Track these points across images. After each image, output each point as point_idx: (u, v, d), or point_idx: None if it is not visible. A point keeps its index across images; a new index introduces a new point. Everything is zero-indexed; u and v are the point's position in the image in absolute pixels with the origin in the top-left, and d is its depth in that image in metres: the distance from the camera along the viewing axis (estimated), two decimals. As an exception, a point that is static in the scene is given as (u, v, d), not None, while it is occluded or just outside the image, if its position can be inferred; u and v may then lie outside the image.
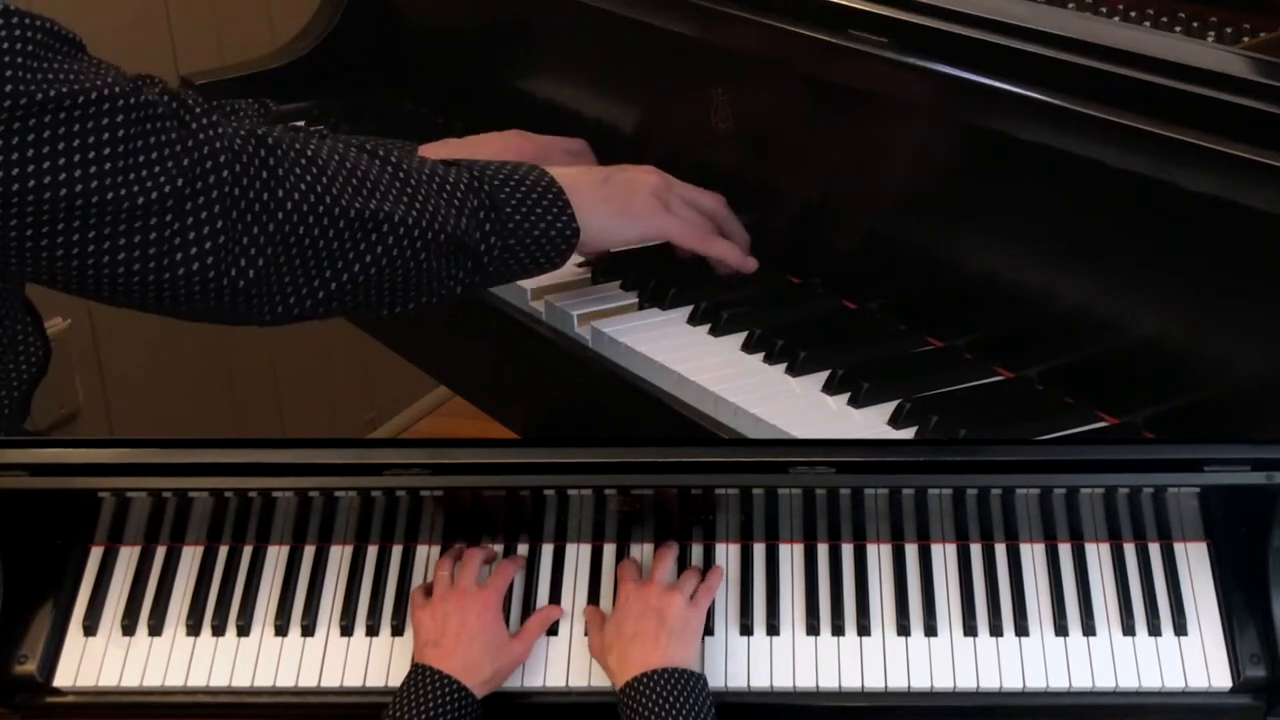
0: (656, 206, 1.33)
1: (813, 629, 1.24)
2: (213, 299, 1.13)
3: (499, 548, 1.31)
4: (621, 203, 1.31)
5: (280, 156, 1.14)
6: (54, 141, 1.04)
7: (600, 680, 1.22)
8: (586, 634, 1.25)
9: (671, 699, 1.14)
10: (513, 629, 1.26)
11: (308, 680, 1.25)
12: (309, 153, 1.16)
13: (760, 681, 1.22)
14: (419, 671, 1.20)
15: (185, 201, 1.09)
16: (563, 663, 1.25)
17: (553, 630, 1.26)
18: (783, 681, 1.22)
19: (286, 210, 1.13)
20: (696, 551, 1.29)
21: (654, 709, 1.13)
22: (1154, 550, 1.26)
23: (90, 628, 1.28)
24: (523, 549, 1.31)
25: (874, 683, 1.21)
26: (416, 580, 1.30)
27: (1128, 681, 1.20)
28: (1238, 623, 1.21)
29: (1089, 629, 1.22)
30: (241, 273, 1.12)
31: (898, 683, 1.21)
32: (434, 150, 1.43)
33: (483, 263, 1.23)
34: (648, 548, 1.30)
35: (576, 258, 1.35)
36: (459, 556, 1.28)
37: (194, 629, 1.28)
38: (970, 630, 1.23)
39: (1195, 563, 1.25)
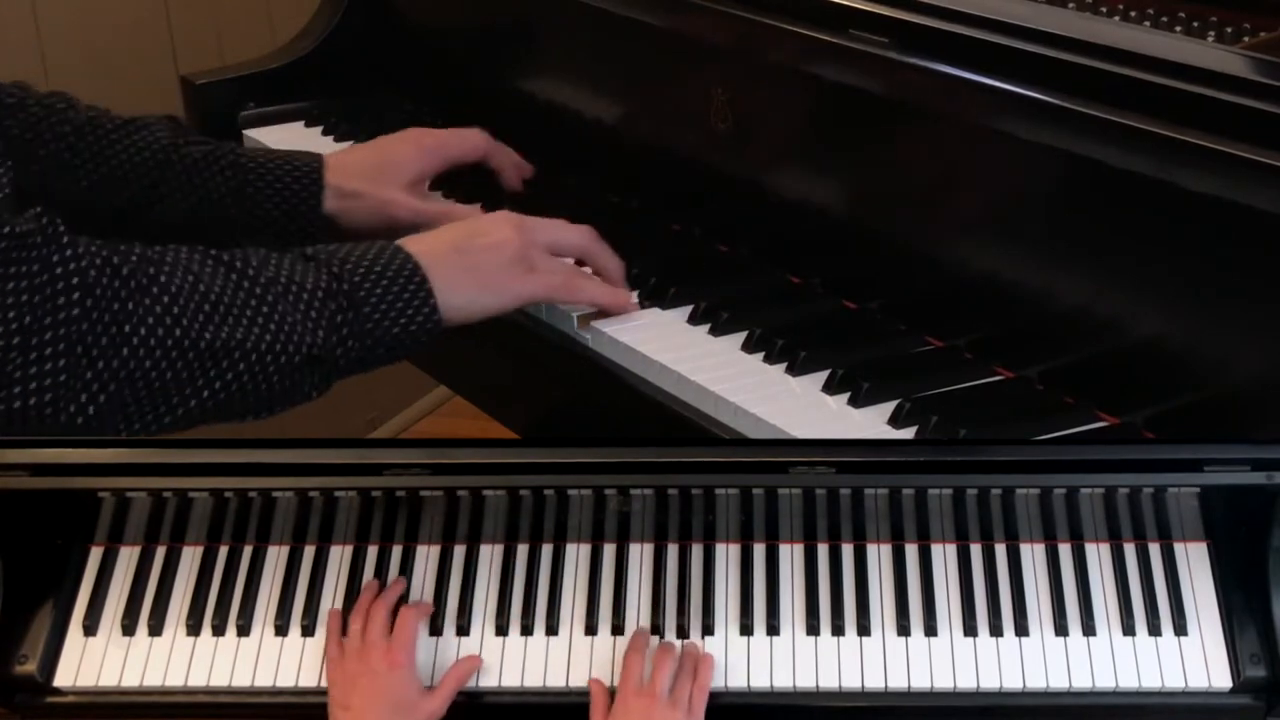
0: (519, 273, 1.27)
1: (813, 629, 1.24)
2: (48, 429, 1.08)
3: (493, 548, 1.30)
4: (483, 275, 1.26)
5: (133, 289, 1.09)
6: None
7: (600, 680, 1.22)
8: (587, 634, 1.25)
9: None
10: (510, 635, 1.26)
11: (307, 680, 1.25)
12: (161, 279, 1.11)
13: (760, 681, 1.22)
14: None
15: (31, 337, 1.04)
16: (563, 662, 1.25)
17: (552, 630, 1.26)
18: (783, 681, 1.22)
19: (132, 345, 1.08)
20: (696, 551, 1.29)
21: None
22: (1154, 550, 1.26)
23: (90, 628, 1.28)
24: (522, 549, 1.31)
25: (874, 683, 1.21)
26: (417, 580, 1.30)
27: (1128, 681, 1.20)
28: (1238, 623, 1.21)
29: (1089, 629, 1.22)
30: (81, 409, 1.08)
31: (898, 683, 1.21)
32: (335, 156, 1.46)
33: (338, 367, 1.19)
34: (648, 548, 1.30)
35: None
36: (369, 603, 1.26)
37: (194, 629, 1.28)
38: (970, 630, 1.23)
39: (1195, 563, 1.25)
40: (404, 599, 1.28)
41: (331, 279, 1.18)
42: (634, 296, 1.36)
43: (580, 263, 1.36)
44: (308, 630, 1.27)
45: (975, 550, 1.27)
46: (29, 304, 1.03)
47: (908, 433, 1.16)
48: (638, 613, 1.26)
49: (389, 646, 1.22)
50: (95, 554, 1.32)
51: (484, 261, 1.26)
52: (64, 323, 1.05)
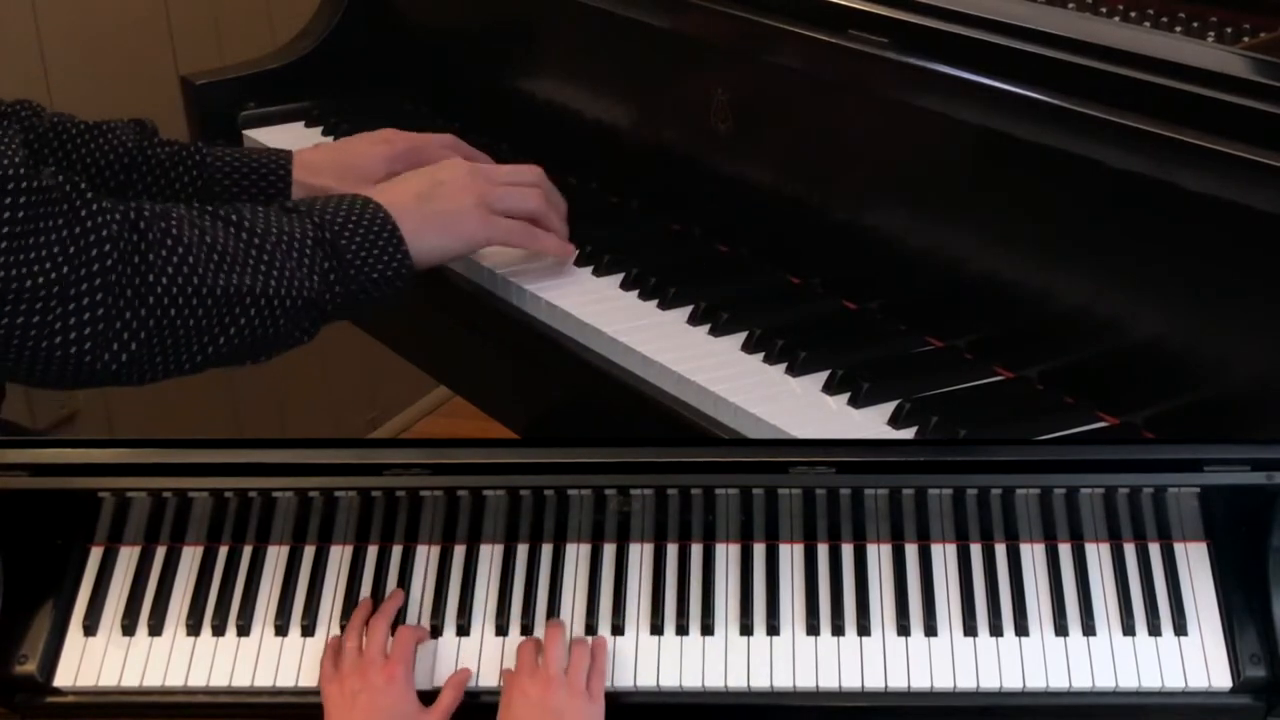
0: (480, 217, 1.36)
1: (813, 629, 1.24)
2: (84, 377, 1.17)
3: (493, 548, 1.31)
4: (445, 221, 1.34)
5: (151, 241, 1.16)
6: None
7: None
8: (587, 634, 1.25)
9: None
10: (510, 635, 1.26)
11: (307, 680, 1.25)
12: (174, 232, 1.19)
13: (760, 681, 1.22)
14: None
15: (70, 287, 1.12)
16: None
17: (552, 630, 1.26)
18: (783, 681, 1.22)
19: (157, 294, 1.16)
20: (696, 551, 1.29)
21: None
22: (1154, 550, 1.26)
23: (90, 628, 1.28)
24: (522, 549, 1.31)
25: (874, 683, 1.21)
26: (416, 580, 1.30)
27: (1128, 681, 1.20)
28: (1238, 623, 1.20)
29: (1089, 629, 1.22)
30: (114, 356, 1.16)
31: (898, 683, 1.21)
32: (304, 154, 1.48)
33: (326, 312, 1.27)
34: (648, 548, 1.30)
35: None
36: (365, 621, 1.25)
37: (194, 629, 1.28)
38: (970, 630, 1.23)
39: (1195, 563, 1.25)
40: (402, 610, 1.28)
41: (316, 228, 1.26)
42: (572, 249, 1.43)
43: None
44: (308, 630, 1.27)
45: (975, 550, 1.27)
46: (64, 256, 1.11)
47: (908, 433, 1.16)
48: (638, 613, 1.26)
49: (387, 663, 1.21)
50: (95, 554, 1.32)
51: (447, 208, 1.35)
52: (97, 274, 1.13)
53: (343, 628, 1.27)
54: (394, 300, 1.31)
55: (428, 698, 1.22)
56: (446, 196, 1.35)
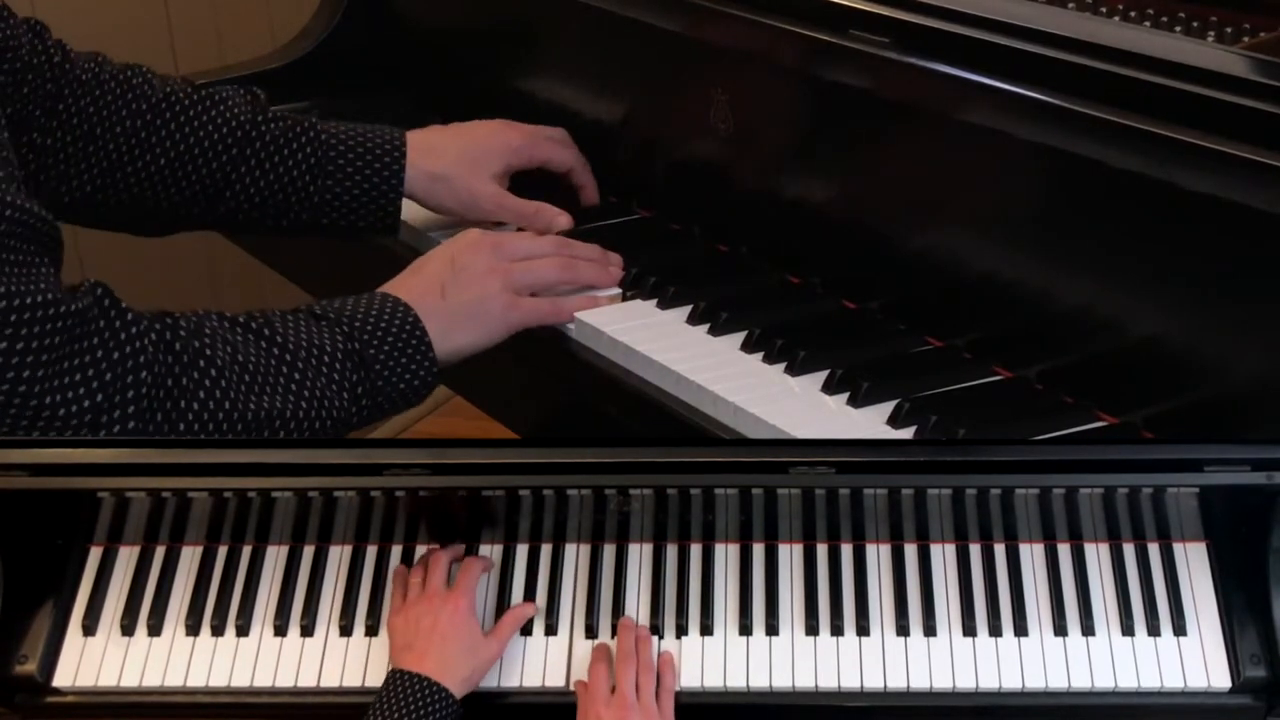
0: (506, 303, 1.32)
1: (812, 629, 1.24)
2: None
3: (493, 548, 1.31)
4: (471, 313, 1.30)
5: (186, 363, 1.15)
6: None
7: (600, 680, 1.22)
8: (588, 637, 1.25)
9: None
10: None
11: (307, 680, 1.25)
12: (208, 353, 1.17)
13: (760, 681, 1.22)
14: (396, 677, 1.19)
15: (103, 414, 1.11)
16: (562, 662, 1.25)
17: (551, 630, 1.26)
18: (782, 681, 1.22)
19: (188, 420, 1.16)
20: (696, 551, 1.29)
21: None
22: (1153, 550, 1.26)
23: (90, 628, 1.28)
24: (522, 549, 1.31)
25: (873, 683, 1.21)
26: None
27: (1127, 682, 1.20)
28: (1238, 623, 1.20)
29: (1088, 629, 1.22)
30: None
31: (897, 683, 1.21)
32: (421, 137, 1.47)
33: (352, 423, 1.26)
34: (648, 548, 1.30)
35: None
36: (428, 561, 1.28)
37: (193, 629, 1.28)
38: (969, 630, 1.23)
39: (1195, 563, 1.24)
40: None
41: (346, 339, 1.24)
42: (615, 289, 1.39)
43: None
44: (307, 630, 1.27)
45: (974, 550, 1.27)
46: (100, 382, 1.11)
47: (907, 433, 1.16)
48: (637, 613, 1.26)
49: (451, 593, 1.24)
50: (95, 554, 1.32)
51: (473, 298, 1.31)
52: (132, 400, 1.12)
53: (342, 628, 1.27)
54: (411, 406, 1.30)
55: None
56: (470, 284, 1.31)
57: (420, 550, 1.31)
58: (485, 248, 1.34)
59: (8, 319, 1.06)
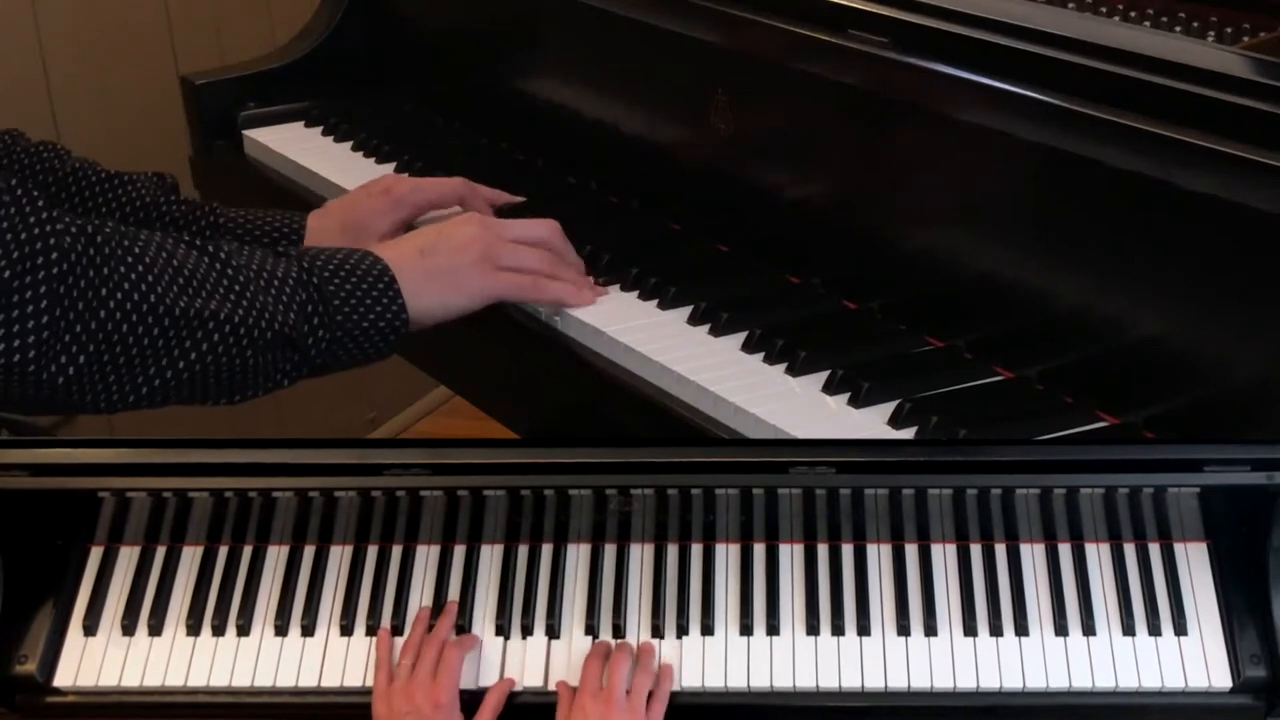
0: (484, 272, 1.32)
1: (813, 629, 1.24)
2: (32, 389, 1.12)
3: (493, 548, 1.31)
4: (448, 278, 1.30)
5: (108, 255, 1.13)
6: None
7: (600, 680, 1.23)
8: (587, 635, 1.25)
9: None
10: (511, 634, 1.26)
11: (308, 680, 1.25)
12: (136, 250, 1.15)
13: (760, 681, 1.22)
14: None
15: (13, 293, 1.08)
16: (563, 662, 1.25)
17: (552, 631, 1.26)
18: (783, 681, 1.22)
19: (109, 308, 1.13)
20: (696, 551, 1.29)
21: None
22: (1154, 550, 1.26)
23: (90, 628, 1.28)
24: (523, 549, 1.31)
25: (874, 683, 1.21)
26: (416, 580, 1.30)
27: (1128, 681, 1.20)
28: (1238, 623, 1.20)
29: (1089, 629, 1.22)
30: (62, 369, 1.11)
31: (898, 683, 1.21)
32: (319, 220, 1.45)
33: (309, 355, 1.23)
34: (648, 548, 1.30)
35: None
36: (420, 638, 1.26)
37: (194, 629, 1.28)
38: (970, 630, 1.23)
39: (1195, 563, 1.25)
40: (403, 610, 1.28)
41: (302, 271, 1.23)
42: (597, 290, 1.38)
43: None
44: (307, 630, 1.27)
45: (975, 550, 1.27)
46: (7, 260, 1.07)
47: (908, 433, 1.16)
48: (638, 613, 1.26)
49: (434, 687, 1.21)
50: (95, 554, 1.32)
51: (451, 263, 1.30)
52: (43, 281, 1.09)
53: (343, 628, 1.27)
54: (386, 353, 1.28)
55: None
56: (450, 251, 1.31)
57: (421, 550, 1.31)
58: (475, 221, 1.36)
59: None
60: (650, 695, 1.21)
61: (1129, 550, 1.26)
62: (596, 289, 1.39)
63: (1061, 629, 1.22)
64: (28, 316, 1.09)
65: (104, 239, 1.13)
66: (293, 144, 1.76)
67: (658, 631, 1.25)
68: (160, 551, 1.32)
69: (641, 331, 1.32)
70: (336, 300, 1.23)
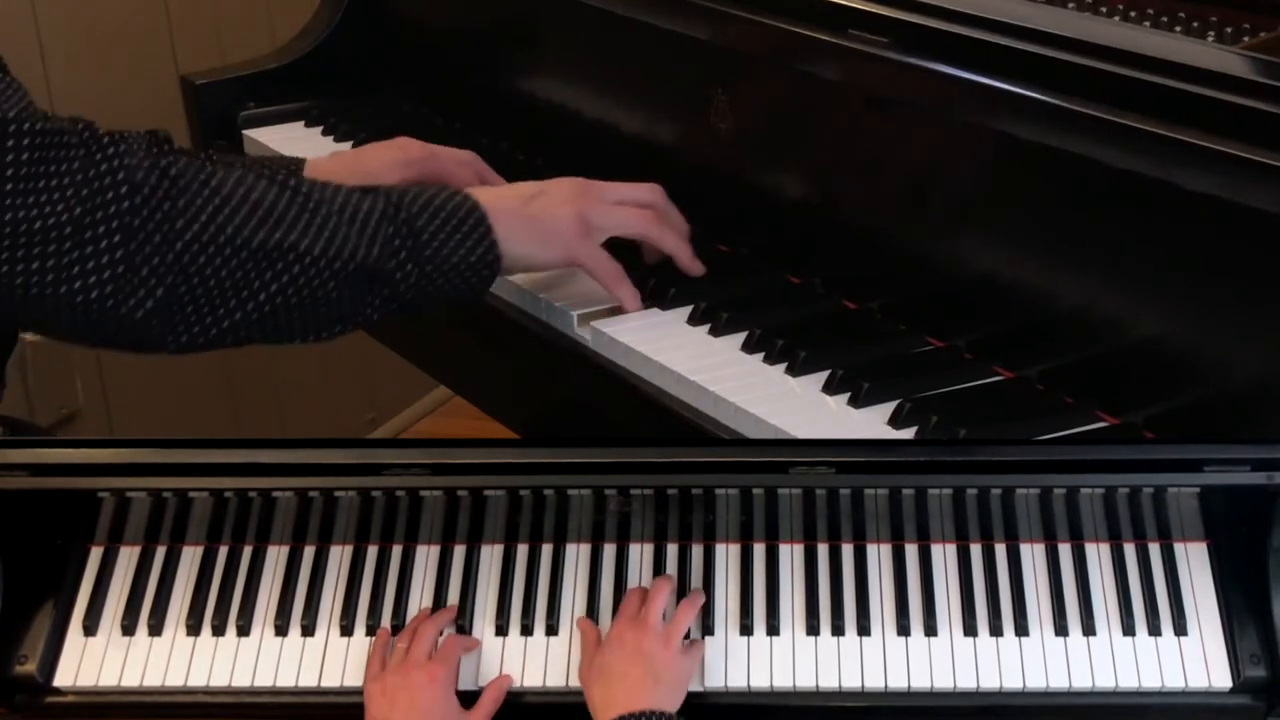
0: (578, 232, 1.31)
1: (813, 629, 1.24)
2: (112, 326, 1.13)
3: (493, 548, 1.31)
4: (544, 228, 1.29)
5: (182, 188, 1.13)
6: None
7: (600, 680, 1.22)
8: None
9: None
10: (511, 634, 1.26)
11: (308, 680, 1.25)
12: (212, 184, 1.15)
13: (760, 681, 1.22)
14: None
15: (84, 230, 1.09)
16: (562, 662, 1.25)
17: (552, 630, 1.26)
18: (783, 681, 1.22)
19: (186, 240, 1.13)
20: (696, 551, 1.29)
21: None
22: (1154, 550, 1.26)
23: (90, 628, 1.28)
24: (522, 549, 1.31)
25: (874, 683, 1.21)
26: (416, 580, 1.30)
27: (1128, 681, 1.20)
28: (1238, 623, 1.21)
29: (1089, 629, 1.22)
30: (140, 303, 1.12)
31: (898, 683, 1.21)
32: (321, 164, 1.44)
33: (399, 290, 1.21)
34: (648, 548, 1.30)
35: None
36: (419, 624, 1.26)
37: (194, 629, 1.28)
38: (970, 630, 1.23)
39: (1195, 563, 1.25)
40: (405, 610, 1.28)
41: (389, 205, 1.21)
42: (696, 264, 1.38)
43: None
44: (308, 630, 1.27)
45: (975, 550, 1.27)
46: (76, 197, 1.08)
47: (908, 433, 1.16)
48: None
49: (430, 664, 1.22)
50: (95, 554, 1.32)
51: (547, 213, 1.30)
52: (115, 215, 1.10)
53: (343, 628, 1.27)
54: (481, 291, 1.27)
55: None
56: (548, 203, 1.30)
57: (421, 550, 1.31)
58: (576, 181, 1.35)
59: None
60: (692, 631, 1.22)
61: (1129, 550, 1.26)
62: (695, 263, 1.38)
63: (1061, 629, 1.22)
64: (101, 252, 1.09)
65: (178, 173, 1.14)
66: (293, 144, 1.75)
67: (658, 631, 1.25)
68: (160, 551, 1.32)
69: (641, 331, 1.32)
70: (425, 235, 1.22)
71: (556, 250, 1.30)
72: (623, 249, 1.41)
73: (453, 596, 1.28)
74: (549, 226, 1.29)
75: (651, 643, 1.19)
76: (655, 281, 1.38)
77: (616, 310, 1.36)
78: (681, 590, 1.27)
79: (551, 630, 1.26)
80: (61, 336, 1.17)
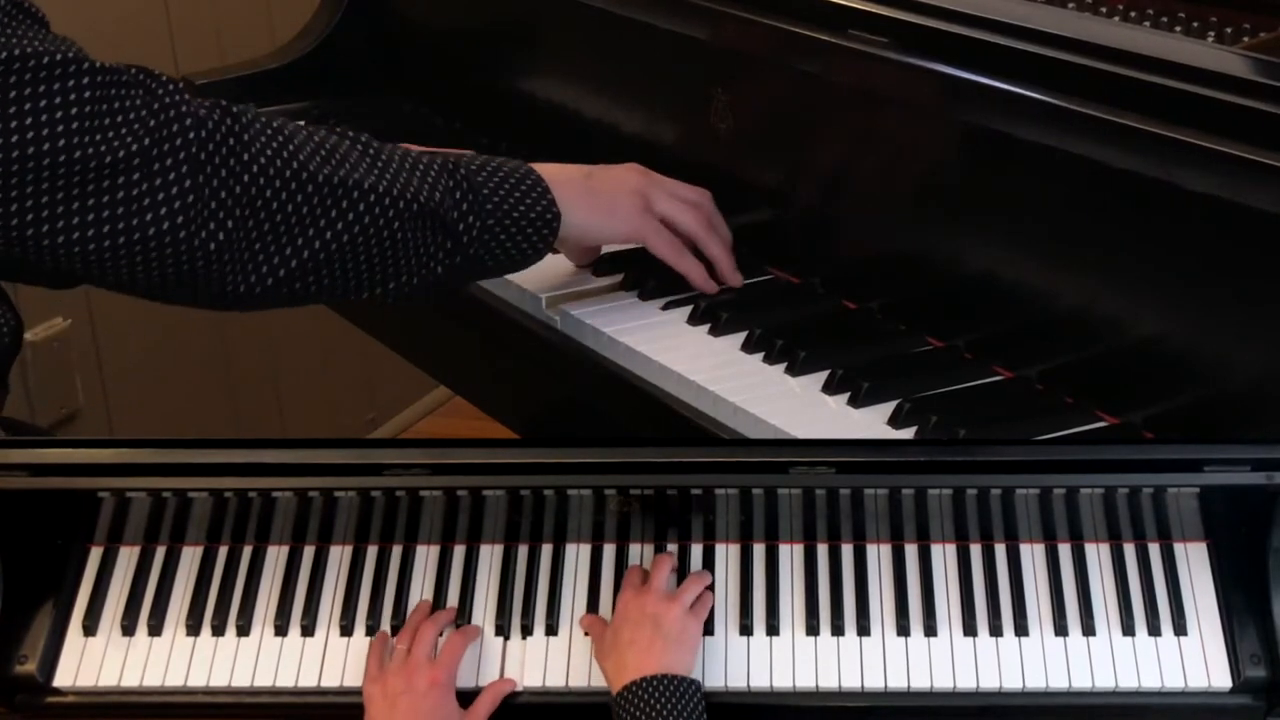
0: (637, 209, 1.34)
1: (812, 629, 1.24)
2: (185, 263, 1.14)
3: (493, 548, 1.31)
4: (604, 202, 1.32)
5: (246, 124, 1.15)
6: (20, 101, 1.05)
7: (599, 681, 1.22)
8: (587, 634, 1.25)
9: (662, 702, 1.13)
10: (511, 634, 1.26)
11: (308, 680, 1.25)
12: (275, 124, 1.18)
13: (760, 681, 1.22)
14: None
15: (153, 162, 1.10)
16: (562, 662, 1.25)
17: (552, 630, 1.26)
18: (783, 681, 1.22)
19: (253, 173, 1.14)
20: (696, 551, 1.29)
21: (645, 712, 1.13)
22: (1154, 550, 1.26)
23: (90, 628, 1.28)
24: (523, 549, 1.31)
25: (874, 683, 1.21)
26: (416, 580, 1.30)
27: (1127, 681, 1.20)
28: (1238, 623, 1.20)
29: (1089, 629, 1.22)
30: (211, 235, 1.13)
31: (897, 683, 1.21)
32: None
33: (462, 242, 1.23)
34: (648, 548, 1.30)
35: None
36: (419, 623, 1.25)
37: (194, 629, 1.28)
38: (970, 630, 1.23)
39: (1195, 563, 1.24)
40: (403, 610, 1.28)
41: (448, 161, 1.24)
42: (736, 276, 1.39)
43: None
44: (307, 630, 1.27)
45: (975, 550, 1.27)
46: (144, 129, 1.10)
47: (908, 433, 1.17)
48: (638, 613, 1.26)
49: (431, 667, 1.21)
50: (95, 554, 1.32)
51: (606, 191, 1.33)
52: (181, 147, 1.11)
53: (343, 628, 1.27)
54: (542, 251, 1.29)
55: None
56: (610, 180, 1.34)
57: (421, 550, 1.31)
58: (637, 168, 1.38)
59: (38, 75, 1.06)
60: (698, 602, 1.22)
61: (1129, 550, 1.26)
62: (736, 274, 1.38)
63: (1061, 629, 1.22)
64: (170, 184, 1.11)
65: (240, 111, 1.16)
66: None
67: (658, 631, 1.25)
68: (160, 551, 1.32)
69: (641, 332, 1.32)
70: (485, 190, 1.24)
71: (621, 224, 1.33)
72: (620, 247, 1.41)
73: (452, 596, 1.28)
74: (613, 201, 1.33)
75: (656, 604, 1.20)
76: (655, 281, 1.38)
77: (617, 311, 1.36)
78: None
79: (551, 630, 1.26)
80: (135, 288, 1.17)
